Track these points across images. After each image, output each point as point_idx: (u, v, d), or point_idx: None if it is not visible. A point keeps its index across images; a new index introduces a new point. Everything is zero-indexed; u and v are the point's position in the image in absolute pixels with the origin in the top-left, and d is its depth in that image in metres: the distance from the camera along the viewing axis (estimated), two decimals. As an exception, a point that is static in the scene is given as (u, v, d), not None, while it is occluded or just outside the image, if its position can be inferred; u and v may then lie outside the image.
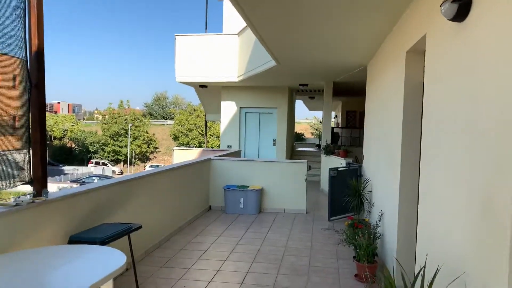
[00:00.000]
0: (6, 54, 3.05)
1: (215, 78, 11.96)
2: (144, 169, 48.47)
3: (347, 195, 7.01)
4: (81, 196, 3.90)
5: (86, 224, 3.94)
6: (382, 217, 5.15)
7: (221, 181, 8.33)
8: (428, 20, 3.36)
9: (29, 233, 3.15)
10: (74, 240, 3.52)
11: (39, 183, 3.35)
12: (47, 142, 53.67)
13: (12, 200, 3.16)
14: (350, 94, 14.85)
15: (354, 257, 5.19)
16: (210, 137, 50.86)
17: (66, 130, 56.34)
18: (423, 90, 4.13)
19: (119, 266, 2.63)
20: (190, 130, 54.44)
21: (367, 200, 6.62)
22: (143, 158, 55.71)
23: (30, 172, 3.29)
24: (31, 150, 3.31)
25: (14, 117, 3.29)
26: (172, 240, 6.03)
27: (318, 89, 13.84)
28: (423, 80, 4.13)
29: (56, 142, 55.18)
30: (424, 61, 4.03)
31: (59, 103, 77.91)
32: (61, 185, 30.60)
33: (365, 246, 4.50)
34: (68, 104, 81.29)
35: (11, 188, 3.07)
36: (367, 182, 6.74)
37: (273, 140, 13.35)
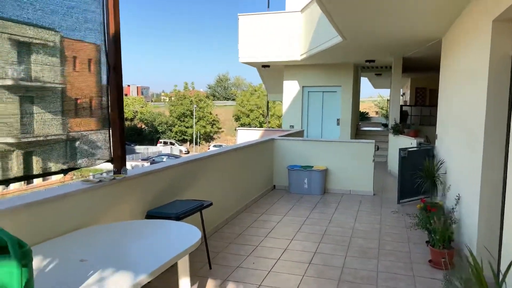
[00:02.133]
0: (81, 40, 3.21)
1: (278, 58, 11.84)
2: (208, 148, 50.06)
3: (418, 177, 6.67)
4: (156, 173, 4.09)
5: (160, 200, 4.14)
6: (459, 201, 4.83)
7: (284, 161, 8.32)
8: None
9: (110, 208, 3.38)
10: (151, 215, 3.71)
11: (118, 161, 3.56)
12: (120, 123, 57.45)
13: (91, 177, 3.38)
14: (420, 70, 13.96)
15: (427, 241, 4.95)
16: (271, 118, 51.02)
17: (136, 111, 59.57)
18: (513, 63, 3.74)
19: (195, 241, 2.73)
20: (251, 111, 54.99)
21: (441, 182, 6.24)
22: (207, 138, 57.50)
23: (110, 151, 3.49)
24: (110, 130, 3.51)
25: (91, 99, 3.49)
26: (239, 217, 6.16)
27: (385, 65, 13.18)
28: (513, 51, 3.73)
29: (127, 123, 58.67)
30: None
31: (128, 86, 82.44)
32: (133, 163, 32.64)
33: (440, 230, 4.26)
34: (137, 87, 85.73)
35: (93, 166, 3.29)
36: (441, 164, 6.34)
37: (337, 119, 13.02)
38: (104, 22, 3.31)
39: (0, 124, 2.76)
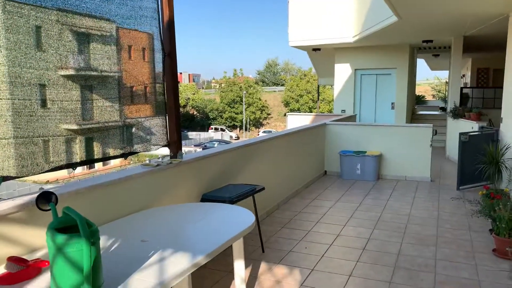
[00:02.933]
0: (136, 30, 3.32)
1: (329, 40, 11.55)
2: (258, 134, 50.40)
3: (480, 162, 6.29)
4: (210, 158, 4.19)
5: (214, 184, 4.24)
6: (528, 187, 4.50)
7: (336, 146, 8.18)
8: None
9: (168, 191, 3.52)
10: (206, 198, 3.82)
11: (175, 146, 3.68)
12: (173, 110, 59.35)
13: (147, 161, 3.52)
14: (483, 49, 13.02)
15: (490, 230, 4.69)
16: (321, 102, 50.19)
17: (189, 98, 61.14)
18: None
19: (249, 225, 2.78)
20: (301, 96, 54.43)
21: (506, 168, 5.84)
22: (257, 124, 57.85)
23: (167, 136, 3.61)
24: (167, 116, 3.63)
25: (146, 87, 3.61)
26: (290, 202, 6.18)
27: (444, 45, 12.43)
28: None
29: (181, 110, 60.45)
30: None
31: (181, 73, 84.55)
32: (187, 149, 33.72)
33: (507, 218, 4.00)
34: (189, 74, 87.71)
35: (150, 151, 3.43)
36: (506, 149, 5.93)
37: (392, 103, 12.53)
38: (159, 9, 3.39)
39: (64, 111, 2.94)
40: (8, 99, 2.52)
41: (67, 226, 1.85)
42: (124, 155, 3.11)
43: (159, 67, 3.55)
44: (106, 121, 3.19)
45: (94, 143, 3.20)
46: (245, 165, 5.00)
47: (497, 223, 4.12)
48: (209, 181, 4.18)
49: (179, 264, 2.20)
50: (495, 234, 4.16)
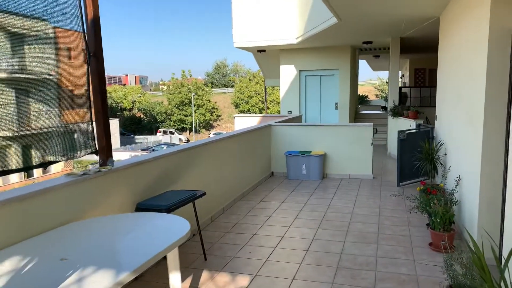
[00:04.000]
0: (56, 27, 3.04)
1: (273, 41, 11.59)
2: (209, 136, 49.87)
3: (418, 159, 6.54)
4: (146, 164, 3.96)
5: (151, 192, 4.02)
6: (460, 182, 4.70)
7: (282, 147, 8.18)
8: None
9: (97, 202, 3.25)
10: (141, 207, 3.59)
11: (104, 152, 3.42)
12: (118, 113, 56.28)
13: (90, 168, 3.25)
14: (419, 50, 13.71)
15: (427, 224, 4.85)
16: (270, 103, 50.69)
17: (135, 101, 59.23)
18: (514, 37, 3.57)
19: (183, 234, 2.62)
20: (251, 97, 54.61)
21: (441, 164, 6.11)
22: (207, 126, 57.27)
23: (95, 142, 3.35)
24: (94, 121, 3.37)
25: (72, 89, 3.33)
26: (236, 205, 6.06)
27: (383, 46, 12.93)
28: (514, 24, 3.55)
29: (126, 113, 58.40)
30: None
31: (127, 75, 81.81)
32: (133, 154, 32.53)
33: (441, 213, 4.14)
34: (135, 76, 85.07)
35: (76, 159, 3.16)
36: (441, 145, 6.20)
37: (336, 103, 12.83)
38: (81, 5, 3.13)
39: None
40: None
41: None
42: (42, 165, 2.82)
43: (84, 68, 3.28)
44: (27, 127, 2.90)
45: (11, 151, 2.90)
46: (187, 169, 4.80)
47: (433, 218, 4.26)
48: (146, 188, 3.95)
49: (100, 283, 2.00)
50: (431, 228, 4.29)
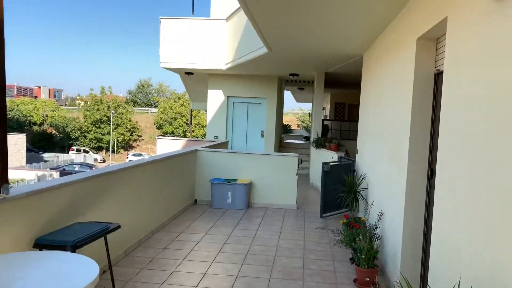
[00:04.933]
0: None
1: (202, 65, 11.41)
2: (127, 157, 47.55)
3: (341, 191, 6.67)
4: (50, 191, 3.41)
5: (56, 224, 3.46)
6: (382, 217, 4.80)
7: (207, 174, 7.88)
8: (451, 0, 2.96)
9: (-17, 237, 2.67)
10: (41, 243, 3.04)
11: (-3, 177, 2.85)
12: (26, 127, 51.53)
13: None
14: (340, 85, 14.50)
15: (351, 259, 4.85)
16: (195, 127, 50.12)
17: (47, 116, 54.72)
18: (436, 80, 3.76)
19: (90, 281, 2.19)
20: (175, 119, 53.54)
21: (362, 197, 6.28)
22: (126, 146, 54.65)
23: (-14, 165, 2.78)
24: (-12, 139, 2.81)
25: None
26: (155, 238, 5.58)
27: (308, 80, 13.44)
28: (436, 69, 3.75)
29: (36, 128, 53.55)
30: (438, 48, 3.66)
31: (39, 87, 75.61)
32: (40, 173, 29.57)
33: (366, 249, 4.14)
34: (49, 89, 79.05)
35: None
36: (362, 178, 6.39)
37: (262, 131, 12.92)
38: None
39: None
40: None
41: None
42: None
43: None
44: None
45: None
46: (101, 197, 4.28)
47: (358, 254, 4.24)
48: (49, 220, 3.38)
49: None
50: (356, 264, 4.27)
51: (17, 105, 52.34)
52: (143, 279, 4.13)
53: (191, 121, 20.23)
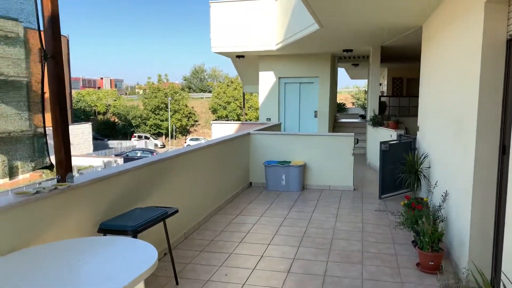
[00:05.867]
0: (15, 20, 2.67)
1: (253, 47, 11.33)
2: (185, 142, 49.12)
3: (401, 171, 6.35)
4: (111, 178, 3.56)
5: (117, 209, 3.62)
6: (447, 198, 4.50)
7: (261, 157, 7.88)
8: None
9: (52, 224, 2.84)
10: (104, 228, 3.19)
11: (62, 167, 3.01)
12: (92, 117, 54.89)
13: (44, 185, 2.86)
14: (398, 60, 13.74)
15: (413, 242, 4.63)
16: (248, 110, 50.45)
17: (109, 105, 57.82)
18: (509, 47, 3.38)
19: (149, 266, 2.25)
20: (228, 103, 54.23)
21: (425, 177, 5.93)
22: (184, 131, 56.44)
23: (48, 154, 2.94)
24: (52, 130, 2.96)
25: (43, 93, 2.95)
26: (212, 220, 5.70)
27: (363, 55, 12.88)
28: (509, 34, 3.37)
29: (100, 117, 56.89)
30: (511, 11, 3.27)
31: (102, 78, 79.96)
32: (106, 159, 31.51)
33: (430, 232, 3.91)
34: (111, 80, 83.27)
35: (25, 174, 2.76)
36: (424, 157, 6.03)
37: (315, 111, 12.65)
38: (37, 3, 2.74)
39: None
40: None
41: None
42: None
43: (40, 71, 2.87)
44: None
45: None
46: (158, 183, 4.41)
47: (421, 237, 4.02)
48: (111, 206, 3.54)
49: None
50: (419, 248, 4.06)
51: (83, 96, 55.80)
52: (202, 262, 4.23)
53: (243, 105, 20.35)
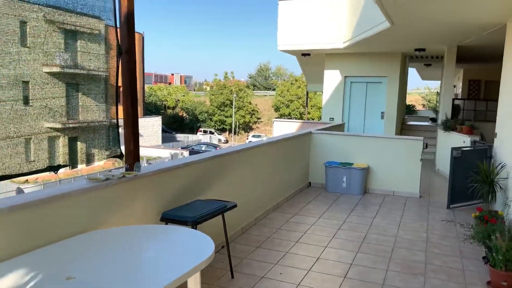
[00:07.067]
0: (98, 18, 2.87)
1: (319, 45, 11.16)
2: (247, 138, 49.87)
3: (473, 180, 5.90)
4: (174, 170, 3.71)
5: (179, 200, 3.75)
6: (527, 212, 4.10)
7: (322, 157, 7.74)
8: None
9: (119, 210, 3.02)
10: (166, 217, 3.33)
11: (131, 156, 3.19)
12: (162, 111, 57.76)
13: (113, 173, 3.06)
14: (475, 60, 12.78)
15: (484, 257, 4.27)
16: (311, 108, 49.94)
17: (178, 100, 60.39)
18: None
19: (206, 257, 2.31)
20: (291, 101, 54.09)
21: (501, 188, 5.46)
22: (246, 128, 57.35)
23: (119, 144, 3.13)
24: (123, 122, 3.15)
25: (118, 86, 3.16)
26: (270, 217, 5.71)
27: (436, 55, 12.14)
28: None
29: (169, 111, 59.64)
30: None
31: (172, 74, 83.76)
32: (173, 151, 32.99)
33: (504, 249, 3.58)
34: (181, 76, 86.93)
35: (96, 163, 2.97)
36: (502, 167, 5.54)
37: (382, 112, 12.17)
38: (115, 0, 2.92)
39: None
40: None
41: None
42: (53, 168, 2.62)
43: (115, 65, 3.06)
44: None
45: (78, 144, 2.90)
46: (219, 177, 4.52)
47: (493, 253, 3.70)
48: (173, 196, 3.69)
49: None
50: (491, 265, 3.74)
51: (155, 91, 58.87)
52: (258, 258, 4.26)
53: (306, 103, 20.17)
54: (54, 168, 2.56)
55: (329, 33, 10.95)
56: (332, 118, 12.49)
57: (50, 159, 2.77)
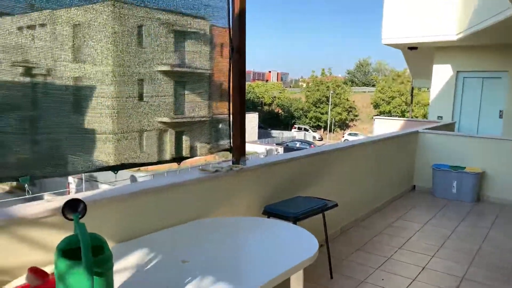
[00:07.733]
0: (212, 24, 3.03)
1: (428, 38, 10.35)
2: (343, 136, 48.76)
3: None
4: (278, 165, 3.77)
5: (279, 195, 3.80)
6: None
7: (429, 159, 7.19)
8: None
9: (226, 201, 3.17)
10: (268, 211, 3.40)
11: (238, 151, 3.32)
12: (259, 107, 59.56)
13: (223, 165, 3.23)
14: None
15: None
16: (415, 106, 46.81)
17: (275, 97, 61.47)
18: None
19: (311, 254, 2.31)
20: (393, 98, 51.38)
21: None
22: (342, 125, 56.07)
23: (230, 139, 3.27)
24: (231, 118, 3.28)
25: (221, 84, 3.31)
26: (370, 220, 5.49)
27: None
28: None
29: (266, 107, 61.05)
30: None
31: (270, 72, 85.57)
32: (268, 147, 33.75)
33: None
34: (277, 73, 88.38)
35: (208, 155, 3.14)
36: None
37: (500, 111, 10.87)
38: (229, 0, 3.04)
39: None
40: (113, 97, 2.52)
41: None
42: (174, 160, 2.83)
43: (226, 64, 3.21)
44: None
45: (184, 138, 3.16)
46: (320, 174, 4.47)
47: None
48: (274, 191, 3.75)
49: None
50: None
51: (253, 88, 60.75)
52: (358, 260, 4.13)
53: (411, 100, 18.97)
54: (178, 160, 2.77)
55: (440, 24, 10.10)
56: (441, 117, 11.53)
57: (175, 151, 2.96)
